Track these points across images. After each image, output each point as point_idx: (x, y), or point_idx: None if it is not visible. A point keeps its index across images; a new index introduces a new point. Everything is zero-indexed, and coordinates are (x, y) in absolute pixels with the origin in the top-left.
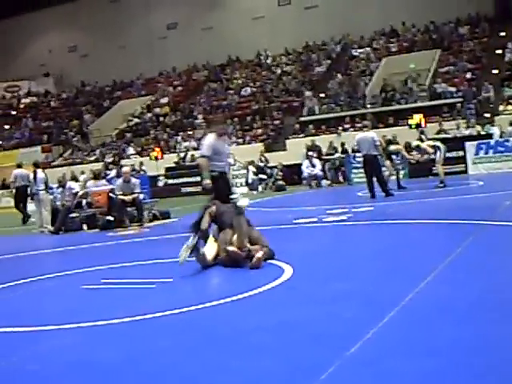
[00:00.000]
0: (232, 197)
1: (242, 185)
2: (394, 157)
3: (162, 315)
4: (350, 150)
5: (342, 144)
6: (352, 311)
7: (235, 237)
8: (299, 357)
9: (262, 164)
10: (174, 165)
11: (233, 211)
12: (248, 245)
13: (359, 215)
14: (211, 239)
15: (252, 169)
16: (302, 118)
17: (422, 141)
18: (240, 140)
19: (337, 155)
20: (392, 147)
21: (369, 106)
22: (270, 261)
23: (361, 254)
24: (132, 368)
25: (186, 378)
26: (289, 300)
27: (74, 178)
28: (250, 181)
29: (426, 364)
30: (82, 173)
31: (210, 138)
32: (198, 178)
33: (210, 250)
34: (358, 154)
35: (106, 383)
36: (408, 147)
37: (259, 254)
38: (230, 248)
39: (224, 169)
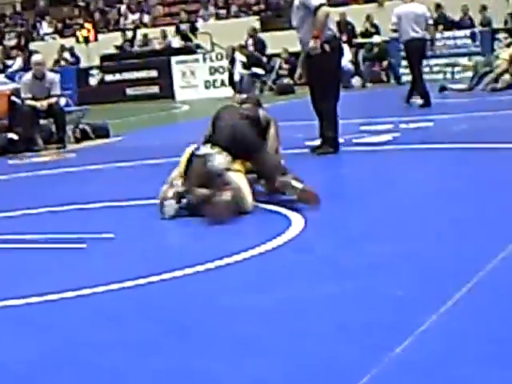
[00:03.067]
0: (198, 153)
1: (223, 84)
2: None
3: (92, 292)
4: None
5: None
6: (395, 289)
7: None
8: (315, 360)
9: (255, 52)
10: (114, 51)
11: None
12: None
13: (411, 135)
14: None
15: (241, 58)
16: None
17: None
18: (221, 11)
19: (377, 38)
20: None
21: None
22: (271, 207)
23: (411, 198)
24: (46, 373)
25: None
26: (294, 269)
27: None
28: (237, 78)
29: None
30: None
31: None
32: (153, 73)
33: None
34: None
35: None
36: None
37: (223, 197)
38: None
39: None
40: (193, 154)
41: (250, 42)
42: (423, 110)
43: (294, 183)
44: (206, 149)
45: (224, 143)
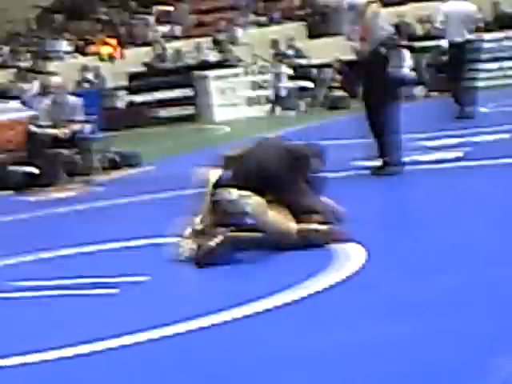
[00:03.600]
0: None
1: (268, 101)
2: None
3: (125, 344)
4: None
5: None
6: (469, 328)
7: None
8: None
9: (302, 61)
10: (143, 69)
11: None
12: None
13: (484, 149)
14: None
15: (286, 70)
16: None
17: None
18: (261, 18)
19: (443, 42)
20: None
21: None
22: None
23: (486, 223)
24: None
25: None
26: (354, 308)
27: None
28: (282, 93)
29: None
30: None
31: None
32: (188, 92)
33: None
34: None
35: None
36: None
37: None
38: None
39: None
40: (215, 186)
41: (290, 52)
42: (497, 120)
43: (316, 227)
44: (236, 192)
45: (249, 179)
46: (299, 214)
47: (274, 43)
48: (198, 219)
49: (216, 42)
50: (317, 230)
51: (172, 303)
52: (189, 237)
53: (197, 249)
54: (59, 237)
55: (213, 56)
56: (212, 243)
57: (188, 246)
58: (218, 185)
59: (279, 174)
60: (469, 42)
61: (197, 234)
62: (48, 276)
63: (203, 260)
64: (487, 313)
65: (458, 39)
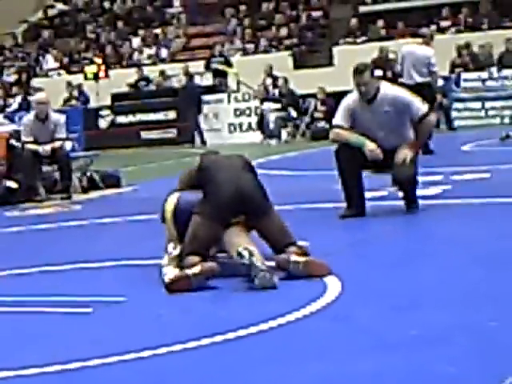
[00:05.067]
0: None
1: (251, 128)
2: None
3: (99, 363)
4: (447, 67)
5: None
6: (445, 366)
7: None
8: None
9: (285, 90)
10: (127, 90)
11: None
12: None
13: (464, 188)
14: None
15: (271, 99)
16: (364, 8)
17: None
18: (249, 46)
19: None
20: None
21: None
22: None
23: (463, 261)
24: None
25: None
26: (329, 341)
27: None
28: (268, 122)
29: None
30: None
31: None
32: (171, 115)
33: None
34: (466, 76)
35: None
36: None
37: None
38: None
39: None
40: (176, 208)
41: (269, 81)
42: (477, 159)
43: (295, 258)
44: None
45: (227, 204)
46: (278, 242)
47: (264, 71)
48: (171, 246)
49: (209, 67)
50: (296, 262)
51: (145, 326)
52: (168, 263)
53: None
54: (35, 254)
55: (204, 80)
56: (189, 272)
57: (170, 272)
58: (178, 210)
59: (257, 196)
60: (419, 84)
61: (173, 260)
62: (21, 292)
63: (175, 287)
64: (463, 351)
65: (409, 82)
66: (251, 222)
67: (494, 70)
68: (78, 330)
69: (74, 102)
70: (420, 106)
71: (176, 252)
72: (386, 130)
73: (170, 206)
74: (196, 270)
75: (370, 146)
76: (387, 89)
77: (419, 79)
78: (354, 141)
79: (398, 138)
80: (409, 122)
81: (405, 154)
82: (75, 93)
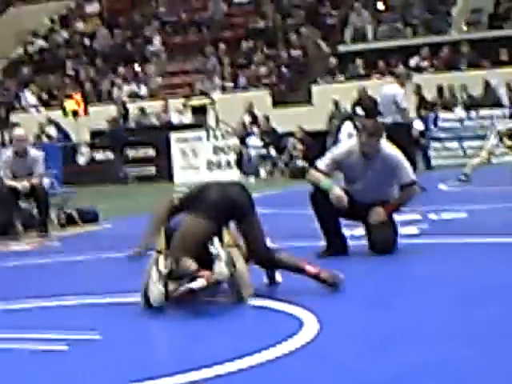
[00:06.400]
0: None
1: (229, 166)
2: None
3: None
4: (427, 106)
5: (418, 93)
6: None
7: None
8: None
9: (265, 126)
10: (106, 127)
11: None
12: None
13: (441, 227)
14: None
15: (253, 136)
16: (343, 48)
17: None
18: (228, 84)
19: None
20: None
21: (464, 27)
22: (277, 306)
23: (439, 300)
24: None
25: None
26: (305, 381)
27: None
28: (251, 158)
29: None
30: None
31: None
32: (150, 152)
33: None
34: (444, 116)
35: None
36: None
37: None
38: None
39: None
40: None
41: (247, 118)
42: (455, 198)
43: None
44: (215, 249)
45: (215, 204)
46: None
47: (244, 109)
48: (161, 263)
49: (185, 106)
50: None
51: (121, 363)
52: (158, 280)
53: (173, 289)
54: (9, 289)
55: (177, 118)
56: (193, 286)
57: (158, 291)
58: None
59: (243, 201)
60: (394, 124)
61: (165, 277)
62: None
63: (180, 298)
64: None
65: (388, 120)
66: (241, 225)
67: (471, 110)
68: (54, 367)
69: (45, 139)
70: (408, 173)
71: (166, 271)
72: (369, 185)
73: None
74: (200, 283)
75: (336, 193)
76: (385, 148)
77: (388, 119)
78: (322, 185)
79: (379, 196)
80: (395, 185)
81: (378, 215)
82: (52, 130)
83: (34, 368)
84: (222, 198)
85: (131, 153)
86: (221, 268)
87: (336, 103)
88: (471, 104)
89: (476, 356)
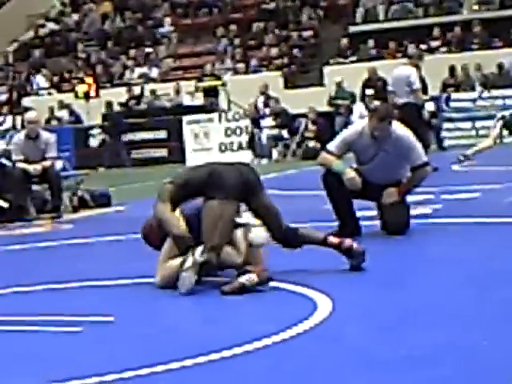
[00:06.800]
0: (240, 221)
1: (241, 147)
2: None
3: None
4: (439, 87)
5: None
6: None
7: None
8: None
9: (277, 108)
10: (119, 109)
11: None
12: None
13: (454, 207)
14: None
15: (266, 117)
16: (354, 28)
17: None
18: (239, 66)
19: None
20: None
21: (475, 7)
22: (291, 288)
23: (453, 281)
24: None
25: None
26: (317, 361)
27: None
28: (259, 140)
29: None
30: None
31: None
32: (162, 134)
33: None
34: (455, 96)
35: None
36: None
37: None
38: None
39: None
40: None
41: (261, 99)
42: (468, 178)
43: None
44: (247, 218)
45: (235, 187)
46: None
47: (259, 90)
48: (199, 251)
49: (198, 89)
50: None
51: (129, 346)
52: (190, 268)
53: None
54: (24, 273)
55: (191, 100)
56: (246, 282)
57: (188, 280)
58: (188, 219)
59: (255, 181)
60: (405, 104)
61: (195, 265)
62: (10, 311)
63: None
64: (454, 371)
65: (400, 101)
66: (250, 199)
67: (484, 89)
68: (70, 348)
69: (54, 122)
70: (420, 155)
71: (201, 259)
72: (381, 166)
73: (179, 220)
74: (252, 278)
75: (349, 175)
76: (397, 129)
77: (401, 100)
78: (335, 167)
79: (391, 176)
80: (407, 165)
81: (391, 195)
82: (63, 112)
83: (48, 350)
84: (240, 179)
85: (143, 135)
86: (257, 231)
87: (339, 84)
88: (485, 84)
89: (488, 339)
